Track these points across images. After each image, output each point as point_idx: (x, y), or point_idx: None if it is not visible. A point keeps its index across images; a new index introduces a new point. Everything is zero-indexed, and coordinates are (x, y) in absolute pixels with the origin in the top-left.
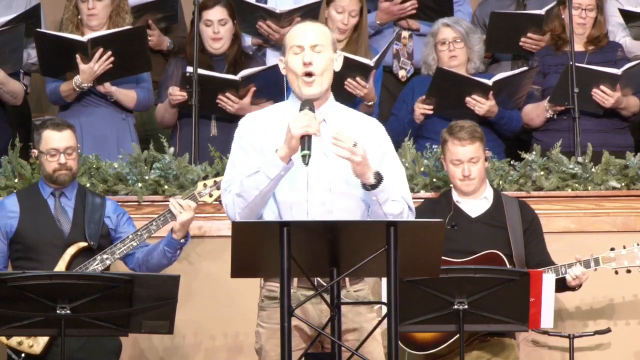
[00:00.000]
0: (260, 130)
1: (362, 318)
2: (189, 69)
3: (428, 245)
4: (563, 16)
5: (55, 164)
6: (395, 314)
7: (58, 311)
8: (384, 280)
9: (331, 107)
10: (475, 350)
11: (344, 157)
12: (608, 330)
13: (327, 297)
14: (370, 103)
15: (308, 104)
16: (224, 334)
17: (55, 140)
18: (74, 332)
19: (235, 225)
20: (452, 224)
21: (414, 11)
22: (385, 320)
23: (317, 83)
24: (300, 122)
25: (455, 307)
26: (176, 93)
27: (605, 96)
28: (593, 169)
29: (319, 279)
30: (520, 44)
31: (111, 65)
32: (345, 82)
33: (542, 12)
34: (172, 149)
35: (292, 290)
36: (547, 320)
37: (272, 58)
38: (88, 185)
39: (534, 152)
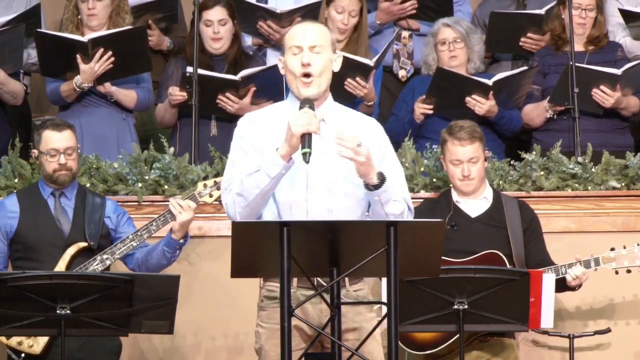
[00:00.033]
0: (259, 130)
1: (362, 318)
2: (189, 69)
3: (428, 245)
4: (563, 16)
5: (55, 164)
6: (395, 314)
7: (58, 311)
8: (384, 280)
9: (330, 107)
10: (475, 350)
11: (348, 157)
12: (608, 330)
13: (327, 297)
14: (370, 103)
15: (308, 102)
16: (224, 335)
17: (55, 141)
18: (74, 332)
19: (235, 225)
20: (451, 224)
21: (414, 11)
22: (385, 320)
23: (315, 84)
24: (300, 120)
25: (455, 307)
26: (176, 93)
27: (605, 96)
28: (593, 169)
29: (318, 279)
30: (520, 44)
31: (112, 65)
32: (345, 82)
33: (542, 12)
34: (172, 149)
35: (292, 290)
36: (547, 320)
37: (272, 58)
38: (88, 185)
39: (534, 152)
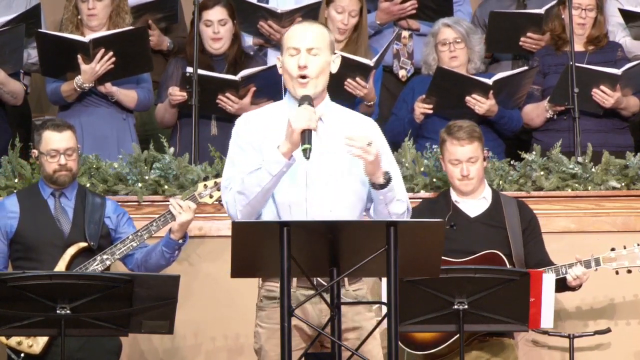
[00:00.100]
0: (257, 129)
1: (362, 317)
2: (189, 69)
3: (428, 245)
4: (563, 16)
5: (55, 164)
6: (395, 314)
7: (58, 311)
8: (384, 280)
9: (327, 107)
10: (474, 350)
11: (357, 156)
12: (608, 330)
13: (327, 296)
14: (370, 103)
15: (307, 98)
16: (224, 335)
17: (56, 141)
18: (74, 332)
19: (235, 225)
20: (451, 224)
21: (414, 11)
22: (385, 320)
23: (312, 85)
24: (301, 116)
25: (455, 307)
26: (176, 93)
27: (605, 96)
28: (593, 169)
29: (318, 278)
30: (520, 43)
31: (112, 65)
32: (345, 82)
33: (541, 11)
34: (172, 149)
35: (291, 290)
36: (547, 320)
37: (273, 58)
38: (88, 185)
39: (534, 152)
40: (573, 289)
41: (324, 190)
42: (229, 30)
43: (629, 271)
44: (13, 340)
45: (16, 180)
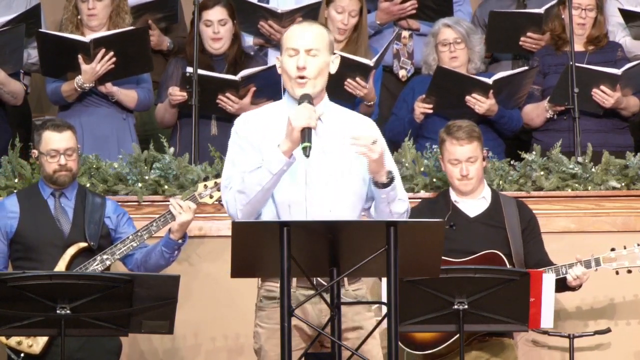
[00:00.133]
0: (256, 129)
1: (362, 317)
2: (189, 69)
3: (428, 245)
4: (563, 16)
5: (55, 165)
6: (395, 314)
7: (58, 311)
8: (384, 280)
9: (326, 107)
10: (474, 350)
11: (362, 154)
12: (608, 330)
13: (327, 296)
14: (370, 103)
15: (307, 97)
16: (224, 335)
17: (56, 142)
18: (74, 332)
19: (235, 225)
20: (450, 224)
21: (414, 11)
22: (385, 320)
23: (310, 85)
24: (301, 114)
25: (455, 307)
26: (176, 93)
27: (605, 96)
28: (593, 169)
29: (318, 278)
30: (520, 43)
31: (113, 65)
32: (345, 82)
33: (541, 11)
34: (172, 149)
35: (291, 290)
36: (547, 320)
37: (273, 58)
38: (88, 185)
39: (534, 152)
40: (573, 289)
41: (323, 189)
42: (229, 30)
43: (629, 271)
44: (13, 340)
45: (16, 180)
